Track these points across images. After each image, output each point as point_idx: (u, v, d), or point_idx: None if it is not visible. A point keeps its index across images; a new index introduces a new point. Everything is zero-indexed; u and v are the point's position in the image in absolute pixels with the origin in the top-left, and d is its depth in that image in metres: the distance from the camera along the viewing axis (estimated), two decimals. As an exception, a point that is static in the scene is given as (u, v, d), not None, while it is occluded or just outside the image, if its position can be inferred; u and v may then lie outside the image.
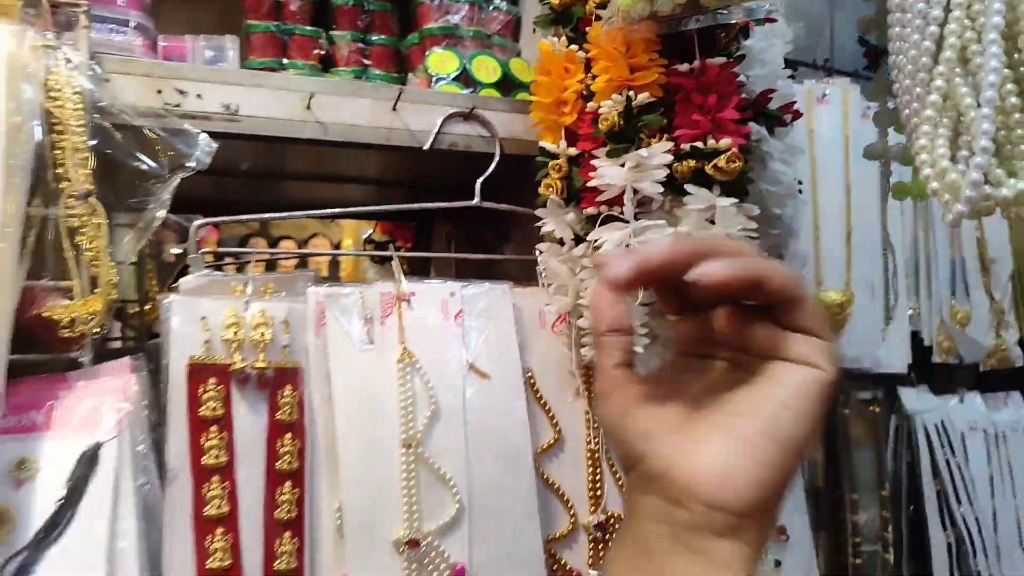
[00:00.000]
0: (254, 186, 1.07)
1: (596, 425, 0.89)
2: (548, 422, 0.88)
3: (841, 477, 1.15)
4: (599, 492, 0.88)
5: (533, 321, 0.90)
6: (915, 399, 1.21)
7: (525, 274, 0.92)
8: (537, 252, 0.88)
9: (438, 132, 0.90)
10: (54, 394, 0.72)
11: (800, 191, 0.90)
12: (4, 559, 0.64)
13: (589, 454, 0.88)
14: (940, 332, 1.21)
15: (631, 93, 0.77)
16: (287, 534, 0.76)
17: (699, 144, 0.76)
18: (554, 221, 0.84)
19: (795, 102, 0.87)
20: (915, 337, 1.23)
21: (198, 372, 0.75)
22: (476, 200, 0.92)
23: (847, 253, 1.14)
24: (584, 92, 0.83)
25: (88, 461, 0.69)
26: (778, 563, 0.94)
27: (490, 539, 0.81)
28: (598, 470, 0.88)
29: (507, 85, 1.01)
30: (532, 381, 0.88)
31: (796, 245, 0.92)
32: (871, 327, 1.18)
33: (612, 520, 0.87)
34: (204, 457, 0.73)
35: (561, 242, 0.84)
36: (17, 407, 0.70)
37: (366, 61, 1.04)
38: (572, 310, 0.84)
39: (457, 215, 1.21)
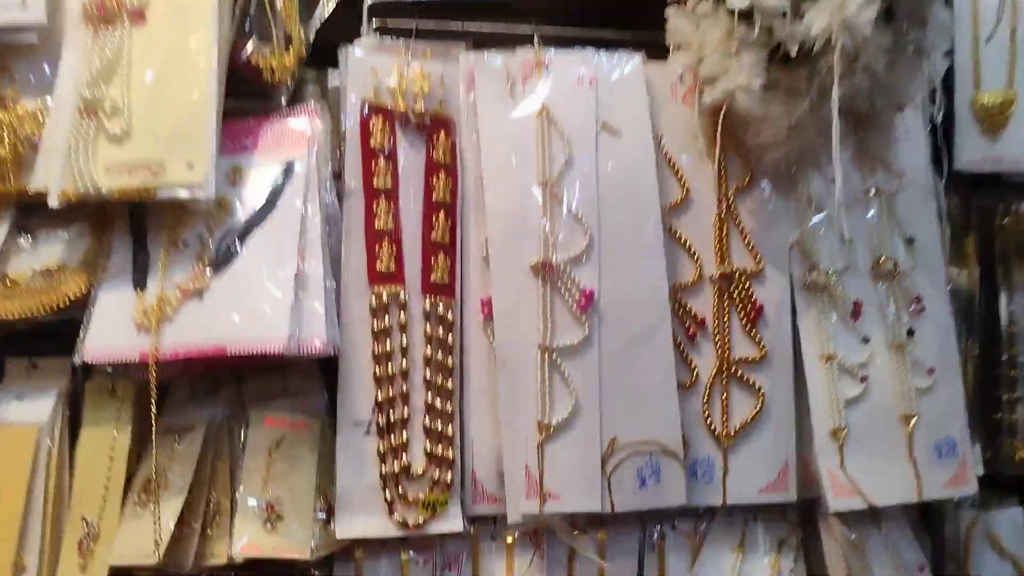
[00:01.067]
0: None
1: (723, 185, 0.93)
2: (676, 182, 0.94)
3: (997, 288, 1.11)
4: (725, 247, 0.93)
5: (665, 92, 0.96)
6: (1090, 213, 1.13)
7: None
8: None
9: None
10: (259, 126, 0.88)
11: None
12: (223, 233, 0.82)
13: (716, 213, 0.93)
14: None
15: None
16: (441, 254, 0.89)
17: None
18: (682, -19, 0.89)
19: None
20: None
21: (369, 111, 0.88)
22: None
23: (1011, 51, 1.09)
24: None
25: (284, 173, 0.85)
26: (911, 332, 0.94)
27: (617, 273, 0.89)
28: (724, 228, 0.93)
29: None
30: (662, 144, 0.94)
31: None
32: (1038, 133, 1.12)
33: (737, 274, 0.92)
34: (374, 179, 0.87)
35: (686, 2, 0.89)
36: (232, 135, 0.87)
37: None
38: (695, 64, 0.89)
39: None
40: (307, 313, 0.79)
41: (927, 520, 1.07)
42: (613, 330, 0.88)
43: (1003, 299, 1.12)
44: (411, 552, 0.88)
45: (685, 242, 0.93)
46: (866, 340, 0.93)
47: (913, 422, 0.92)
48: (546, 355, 0.86)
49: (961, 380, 0.96)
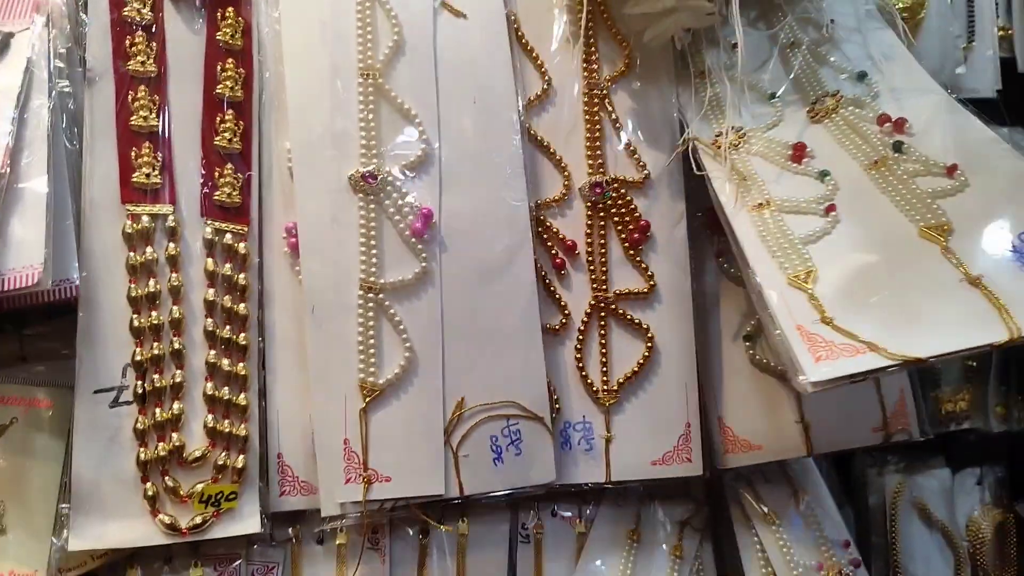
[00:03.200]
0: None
1: (594, 75, 0.75)
2: (536, 71, 0.75)
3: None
4: (599, 152, 0.74)
5: (519, -38, 0.77)
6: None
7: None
8: None
9: None
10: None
11: None
12: None
13: (586, 109, 0.75)
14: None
15: None
16: (228, 166, 0.67)
17: None
18: None
19: None
20: (1009, 65, 1.02)
21: (122, -27, 0.66)
22: None
23: (919, -53, 0.95)
24: None
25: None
26: (898, 146, 0.67)
27: (463, 187, 0.69)
28: (597, 127, 0.74)
29: None
30: (516, 24, 0.75)
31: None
32: (949, 44, 0.99)
33: (616, 185, 0.73)
34: (130, 60, 0.65)
35: None
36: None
37: None
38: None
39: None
40: (15, 236, 0.56)
41: (849, 490, 0.93)
42: (458, 261, 0.68)
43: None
44: (205, 568, 0.66)
45: (548, 146, 0.74)
46: (824, 174, 0.68)
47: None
48: (371, 296, 0.65)
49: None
